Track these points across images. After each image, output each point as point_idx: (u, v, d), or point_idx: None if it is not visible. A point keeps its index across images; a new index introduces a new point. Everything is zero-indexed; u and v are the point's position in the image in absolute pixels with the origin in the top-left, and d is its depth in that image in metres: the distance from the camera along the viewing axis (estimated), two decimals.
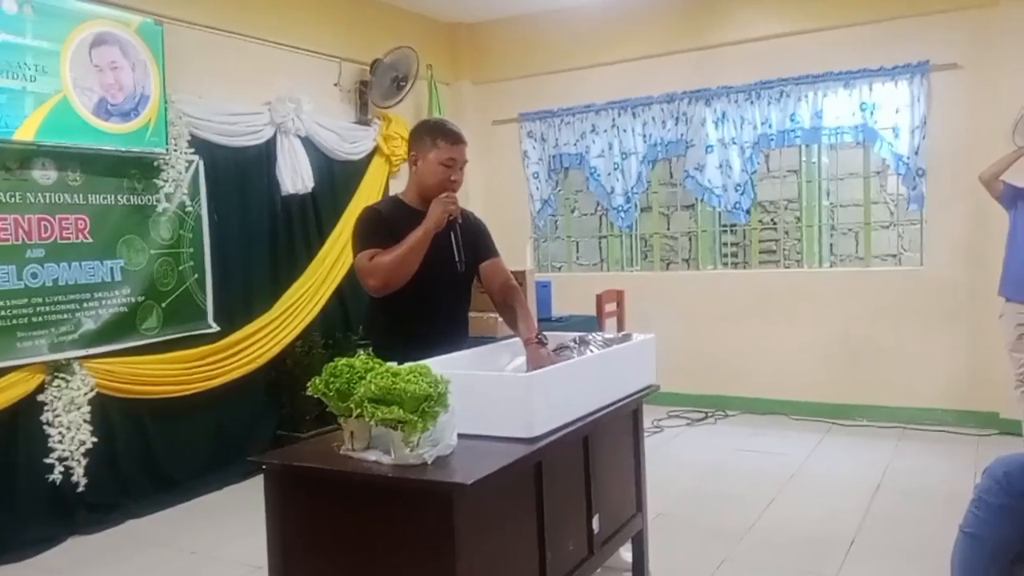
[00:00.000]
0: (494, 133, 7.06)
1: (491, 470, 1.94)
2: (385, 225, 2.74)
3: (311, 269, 5.38)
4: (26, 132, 3.82)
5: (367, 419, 1.95)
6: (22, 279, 3.88)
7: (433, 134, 2.79)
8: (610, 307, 5.49)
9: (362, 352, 2.16)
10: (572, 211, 7.31)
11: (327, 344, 5.23)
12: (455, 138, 2.80)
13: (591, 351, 2.75)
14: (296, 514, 2.08)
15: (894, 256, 7.31)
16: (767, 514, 4.04)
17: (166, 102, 4.40)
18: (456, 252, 2.79)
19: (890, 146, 5.57)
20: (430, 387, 1.94)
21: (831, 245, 6.72)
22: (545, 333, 2.80)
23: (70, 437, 3.98)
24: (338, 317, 5.56)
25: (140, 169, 4.38)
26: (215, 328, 4.77)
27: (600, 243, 7.45)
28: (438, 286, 2.78)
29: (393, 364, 2.06)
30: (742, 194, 6.05)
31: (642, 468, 2.98)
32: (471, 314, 3.92)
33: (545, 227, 7.10)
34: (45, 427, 3.92)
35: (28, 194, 3.91)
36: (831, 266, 6.39)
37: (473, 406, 2.13)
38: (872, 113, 5.61)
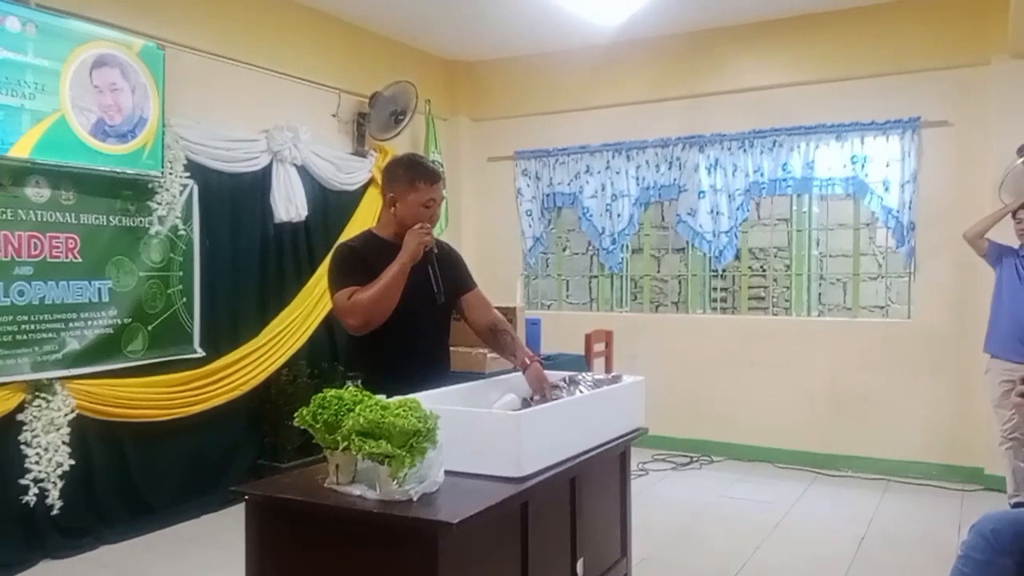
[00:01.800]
0: (489, 170, 7.11)
1: (477, 509, 1.91)
2: (362, 262, 2.70)
3: (300, 298, 5.35)
4: (22, 149, 3.81)
5: (354, 452, 1.92)
6: (8, 296, 3.85)
7: (411, 174, 2.74)
8: (599, 347, 5.48)
9: (351, 384, 2.14)
10: (564, 250, 7.33)
11: (312, 374, 5.19)
12: (434, 178, 2.77)
13: (580, 391, 2.73)
14: (277, 547, 2.04)
15: (882, 308, 7.35)
16: (752, 561, 4.00)
17: (164, 125, 4.41)
18: (435, 284, 2.75)
19: (880, 199, 5.63)
20: (419, 422, 1.92)
21: (819, 294, 6.76)
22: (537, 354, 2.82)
23: (47, 458, 3.91)
24: (325, 347, 5.52)
25: (134, 191, 4.37)
26: (201, 353, 4.74)
27: (590, 283, 7.46)
28: (418, 320, 2.74)
29: (382, 397, 2.04)
30: (730, 240, 6.10)
31: (628, 512, 2.95)
32: (459, 350, 3.91)
33: (536, 265, 7.11)
34: (22, 447, 3.86)
35: (20, 211, 3.90)
36: (819, 315, 6.41)
37: (461, 443, 2.10)
38: (863, 166, 5.68)
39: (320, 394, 2.05)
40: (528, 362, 2.79)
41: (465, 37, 6.40)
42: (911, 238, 5.54)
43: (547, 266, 7.27)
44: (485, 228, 7.12)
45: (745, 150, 6.03)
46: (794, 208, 6.26)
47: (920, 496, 5.15)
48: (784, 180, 5.94)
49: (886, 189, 5.61)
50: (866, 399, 5.68)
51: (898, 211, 5.57)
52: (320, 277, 5.44)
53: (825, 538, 4.36)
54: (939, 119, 5.47)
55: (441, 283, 2.76)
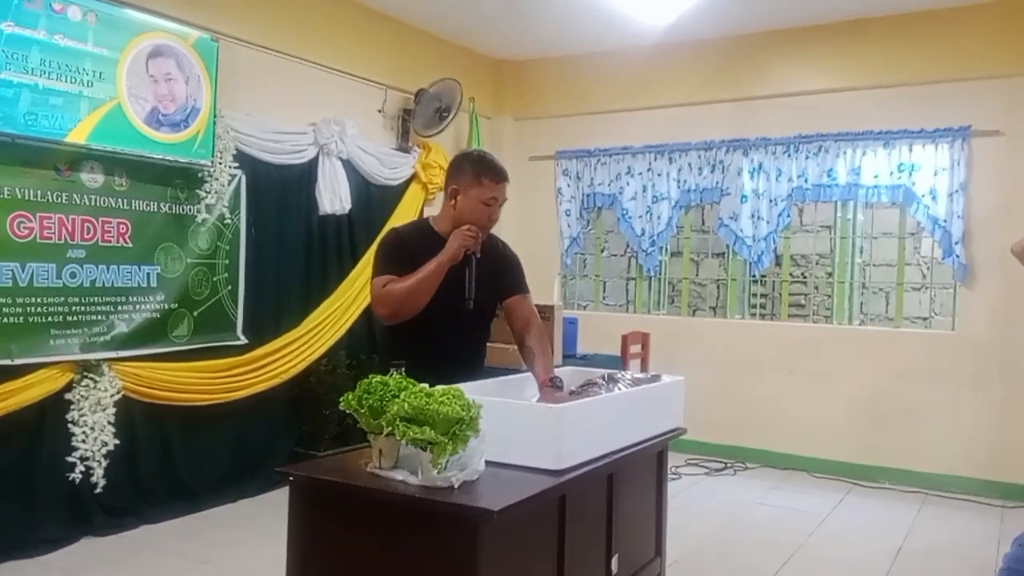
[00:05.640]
0: (530, 169, 7.12)
1: (517, 499, 1.93)
2: (406, 251, 2.70)
3: (341, 289, 5.43)
4: (78, 135, 3.91)
5: (398, 438, 1.95)
6: (61, 278, 3.95)
7: (478, 170, 2.71)
8: (635, 348, 5.47)
9: (395, 371, 2.17)
10: (602, 251, 7.32)
11: (351, 365, 5.25)
12: (500, 176, 2.74)
13: (619, 389, 2.73)
14: (319, 529, 2.08)
15: (924, 319, 7.24)
16: (785, 570, 3.97)
17: (215, 116, 4.49)
18: (468, 289, 2.70)
19: (927, 208, 5.55)
20: (463, 410, 1.94)
21: (861, 303, 6.66)
22: (560, 377, 2.74)
23: (93, 437, 4.01)
24: (364, 338, 5.58)
25: (184, 179, 4.46)
26: (243, 340, 4.82)
27: (628, 284, 7.45)
28: (452, 319, 2.71)
29: (426, 385, 2.07)
30: (768, 246, 6.05)
31: (664, 512, 2.94)
32: (496, 345, 3.93)
33: (573, 265, 7.11)
34: (70, 426, 3.96)
35: (74, 195, 4.00)
36: (860, 324, 6.33)
37: (501, 433, 2.12)
38: (910, 174, 5.60)
39: (366, 380, 2.09)
40: (542, 387, 2.72)
41: (510, 36, 6.43)
42: (958, 249, 5.44)
43: (584, 267, 7.27)
44: (524, 227, 7.12)
45: (790, 155, 5.97)
46: (838, 215, 6.18)
47: (959, 511, 5.06)
48: (828, 186, 5.88)
49: (933, 198, 5.53)
50: (906, 411, 5.60)
51: (945, 221, 5.48)
52: (361, 270, 5.51)
53: (861, 549, 4.30)
54: (990, 128, 5.37)
55: (473, 289, 2.72)
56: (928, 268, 6.69)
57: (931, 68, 5.53)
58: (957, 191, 5.44)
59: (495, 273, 2.82)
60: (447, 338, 2.73)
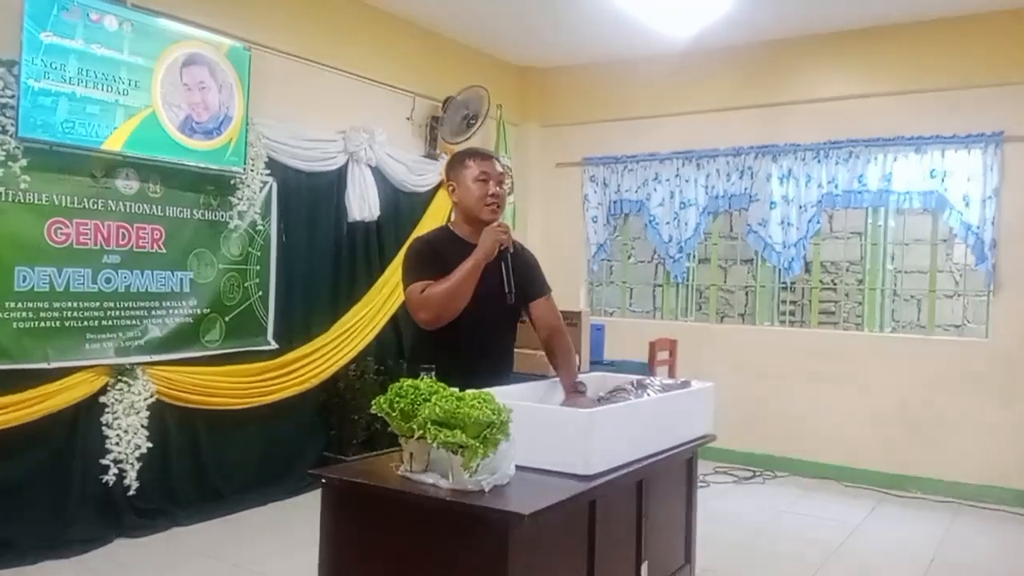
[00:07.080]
0: (557, 175, 7.13)
1: (548, 503, 1.94)
2: (435, 255, 2.74)
3: (370, 295, 5.46)
4: (114, 143, 3.98)
5: (429, 441, 1.96)
6: (96, 283, 4.02)
7: (461, 156, 2.86)
8: (663, 355, 5.45)
9: (425, 375, 2.18)
10: (629, 257, 7.31)
11: (379, 370, 5.28)
12: (483, 154, 2.85)
13: (649, 395, 2.73)
14: (350, 530, 2.10)
15: (957, 327, 7.14)
16: None
17: (248, 124, 4.55)
18: (506, 283, 2.74)
19: (959, 215, 5.47)
20: (493, 414, 1.96)
21: (893, 311, 6.59)
22: (584, 381, 2.80)
23: (127, 440, 4.07)
24: (392, 344, 5.61)
25: (217, 186, 4.52)
26: (274, 345, 4.87)
27: (655, 291, 7.42)
28: (487, 318, 2.75)
29: (456, 389, 2.08)
30: (798, 252, 6.01)
31: (693, 519, 2.94)
32: (525, 351, 3.94)
33: (599, 271, 7.10)
34: (104, 428, 4.03)
35: (110, 202, 4.07)
36: (892, 332, 6.25)
37: (531, 438, 2.13)
38: (943, 180, 5.53)
39: (397, 383, 2.10)
40: (567, 392, 2.78)
41: (538, 43, 6.45)
42: (991, 256, 5.36)
43: (611, 273, 7.26)
44: (551, 233, 7.14)
45: (819, 161, 5.93)
46: (869, 221, 6.13)
47: (992, 522, 4.98)
48: (859, 192, 5.81)
49: (966, 205, 5.45)
50: (938, 420, 5.52)
51: (978, 227, 5.40)
52: (390, 276, 5.55)
53: (892, 560, 4.25)
54: (1023, 134, 5.29)
55: (513, 283, 2.76)
56: (961, 275, 6.60)
57: (963, 73, 5.46)
58: (990, 197, 5.37)
59: (519, 273, 2.85)
60: (483, 338, 2.77)
